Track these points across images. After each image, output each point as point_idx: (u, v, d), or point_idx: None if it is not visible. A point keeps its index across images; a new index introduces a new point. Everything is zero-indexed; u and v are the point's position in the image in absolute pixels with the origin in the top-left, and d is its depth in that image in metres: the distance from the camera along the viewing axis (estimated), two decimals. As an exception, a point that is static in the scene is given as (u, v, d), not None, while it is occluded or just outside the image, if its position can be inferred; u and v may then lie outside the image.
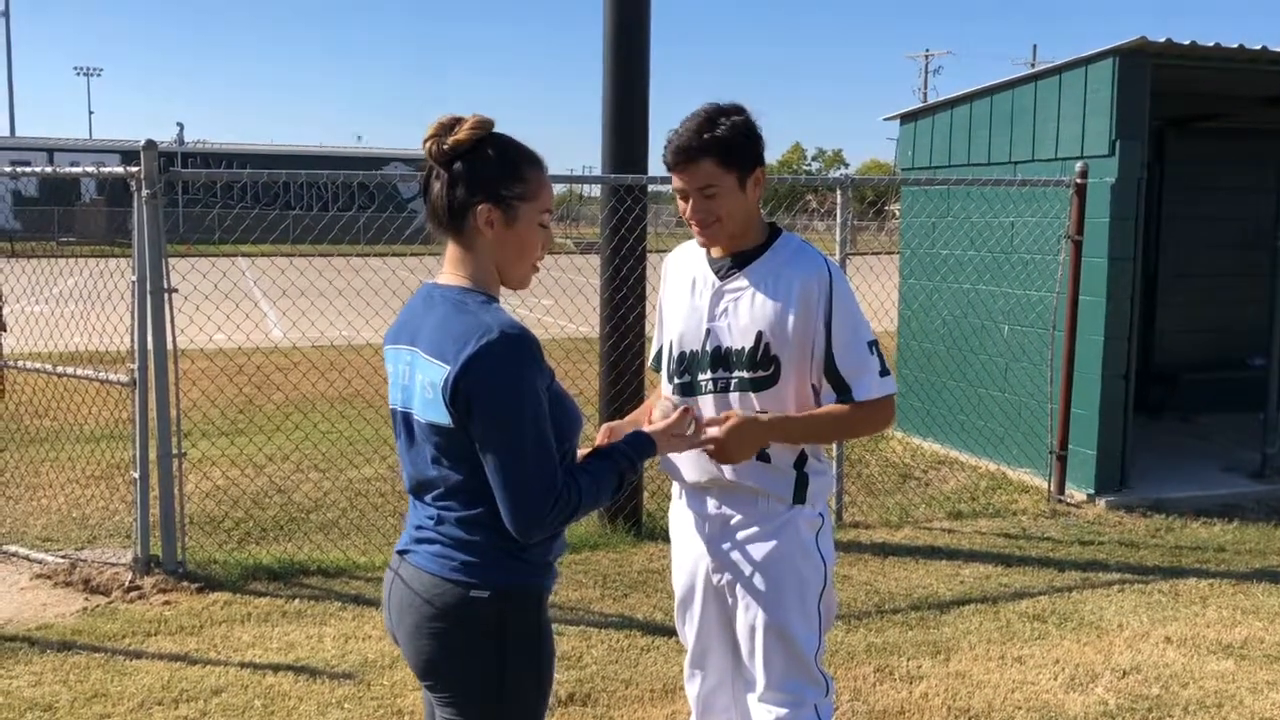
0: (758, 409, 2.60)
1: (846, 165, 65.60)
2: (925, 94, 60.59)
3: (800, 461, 2.66)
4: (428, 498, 2.14)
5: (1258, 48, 6.85)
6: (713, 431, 2.47)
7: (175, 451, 5.30)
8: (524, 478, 1.97)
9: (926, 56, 61.30)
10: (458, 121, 2.08)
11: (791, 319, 2.55)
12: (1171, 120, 8.87)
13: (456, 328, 2.01)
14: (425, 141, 2.09)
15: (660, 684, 4.19)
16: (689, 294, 2.73)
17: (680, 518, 2.85)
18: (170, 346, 5.24)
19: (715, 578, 2.75)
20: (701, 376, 2.67)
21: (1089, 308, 6.85)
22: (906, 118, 8.85)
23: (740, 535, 2.68)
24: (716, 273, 2.68)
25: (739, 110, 2.56)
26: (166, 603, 5.01)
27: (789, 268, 2.60)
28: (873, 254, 17.79)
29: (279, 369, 8.13)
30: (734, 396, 2.63)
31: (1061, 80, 7.14)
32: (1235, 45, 6.77)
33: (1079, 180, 6.74)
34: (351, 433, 7.71)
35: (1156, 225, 9.05)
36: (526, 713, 2.14)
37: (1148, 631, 4.74)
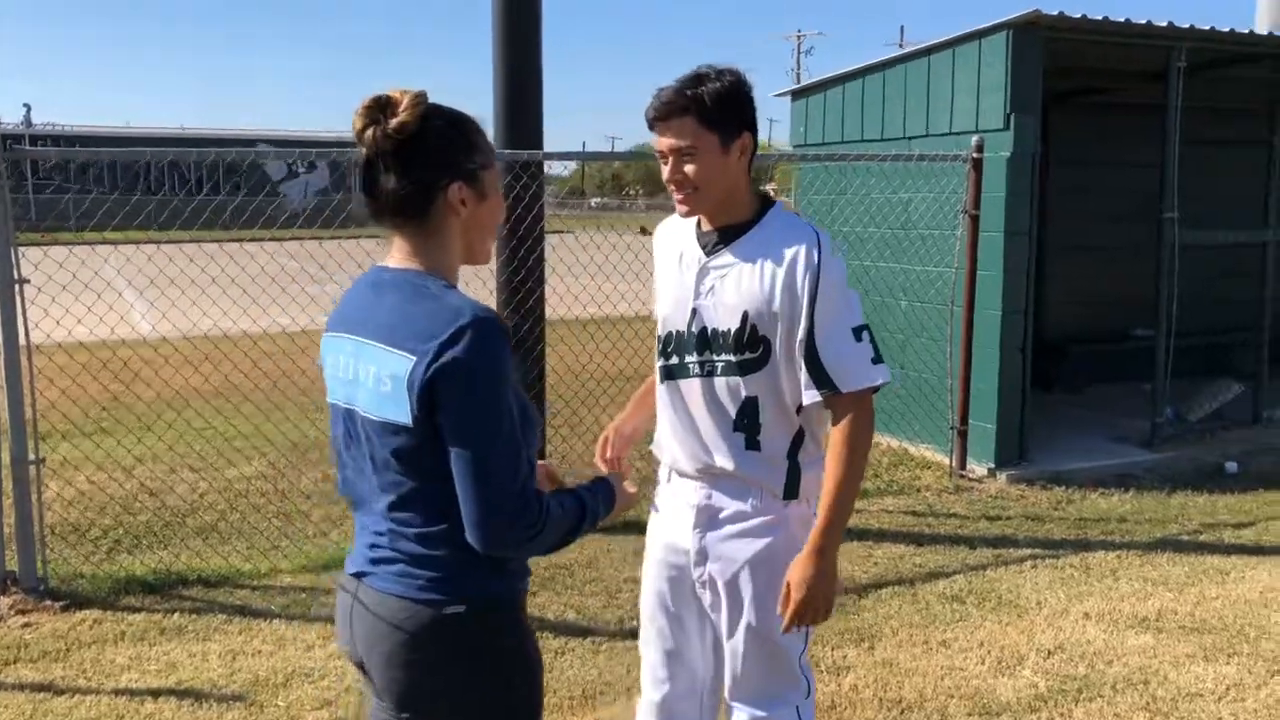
0: (745, 394, 2.40)
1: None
2: (799, 74, 61.29)
3: (794, 449, 2.45)
4: (379, 508, 1.88)
5: (1143, 22, 6.92)
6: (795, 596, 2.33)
7: (32, 457, 4.83)
8: (499, 476, 1.75)
9: (799, 37, 62.00)
10: (389, 102, 1.82)
11: (777, 298, 2.35)
12: (1055, 95, 8.95)
13: (419, 313, 1.79)
14: (362, 131, 1.82)
15: (579, 689, 3.95)
16: (676, 269, 2.53)
17: (665, 504, 2.63)
18: (23, 342, 4.76)
19: (697, 571, 2.53)
20: (688, 359, 2.48)
21: (987, 282, 6.84)
22: (798, 94, 8.74)
23: (728, 530, 2.47)
24: (703, 248, 2.48)
25: (731, 71, 2.36)
26: (26, 625, 4.55)
27: (776, 241, 2.39)
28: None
29: (147, 363, 7.59)
30: (720, 381, 2.44)
31: (955, 54, 7.10)
32: (1122, 20, 6.82)
33: (975, 155, 6.71)
34: (229, 429, 7.24)
35: (1042, 199, 9.15)
36: None
37: (1066, 608, 4.70)
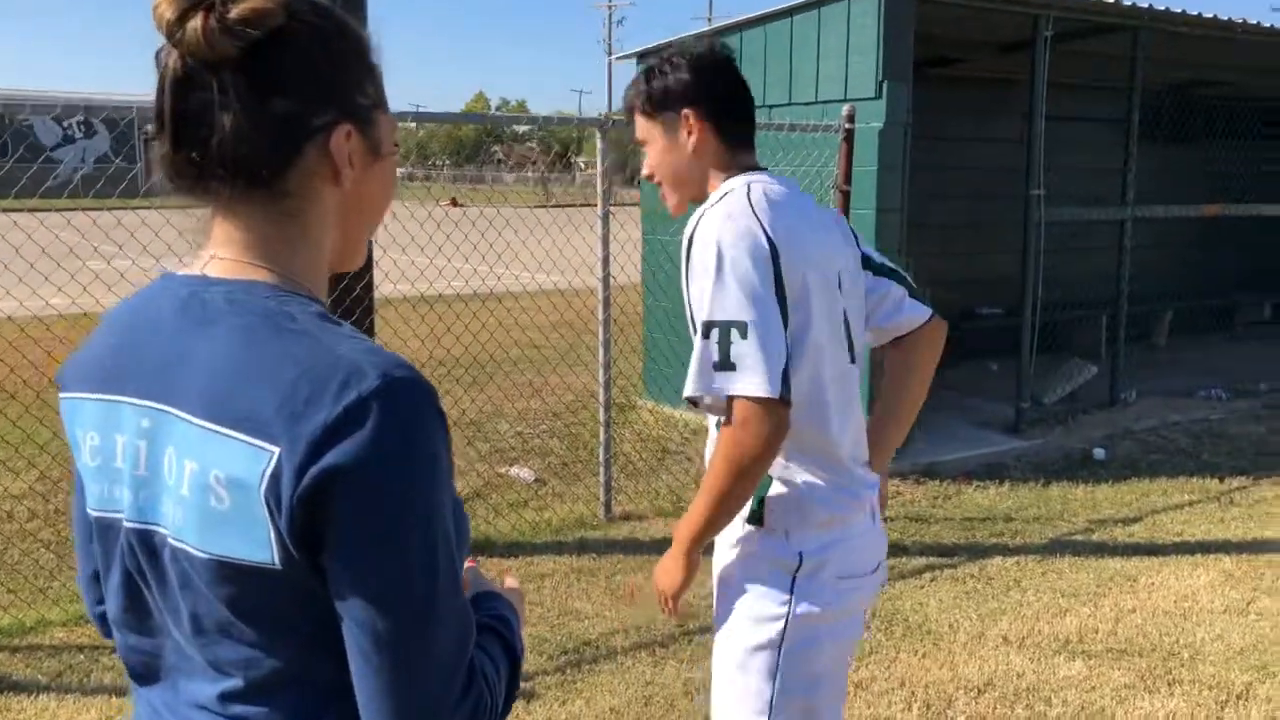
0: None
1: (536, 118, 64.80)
2: (610, 44, 60.77)
3: None
4: (200, 696, 1.11)
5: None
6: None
7: None
8: (435, 660, 1.02)
9: (610, 7, 61.38)
10: None
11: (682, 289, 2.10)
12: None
13: (279, 367, 1.02)
14: (177, 22, 1.04)
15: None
16: None
17: None
18: None
19: None
20: None
21: (857, 263, 6.34)
22: (644, 57, 8.05)
23: (717, 543, 2.19)
24: None
25: (676, 50, 2.15)
26: None
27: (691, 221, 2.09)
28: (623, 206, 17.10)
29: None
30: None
31: (821, 16, 6.55)
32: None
33: (847, 126, 6.18)
34: (-15, 440, 6.05)
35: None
36: None
37: (981, 632, 4.22)
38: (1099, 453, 6.83)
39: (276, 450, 0.98)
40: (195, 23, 1.02)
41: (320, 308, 1.10)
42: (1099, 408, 7.74)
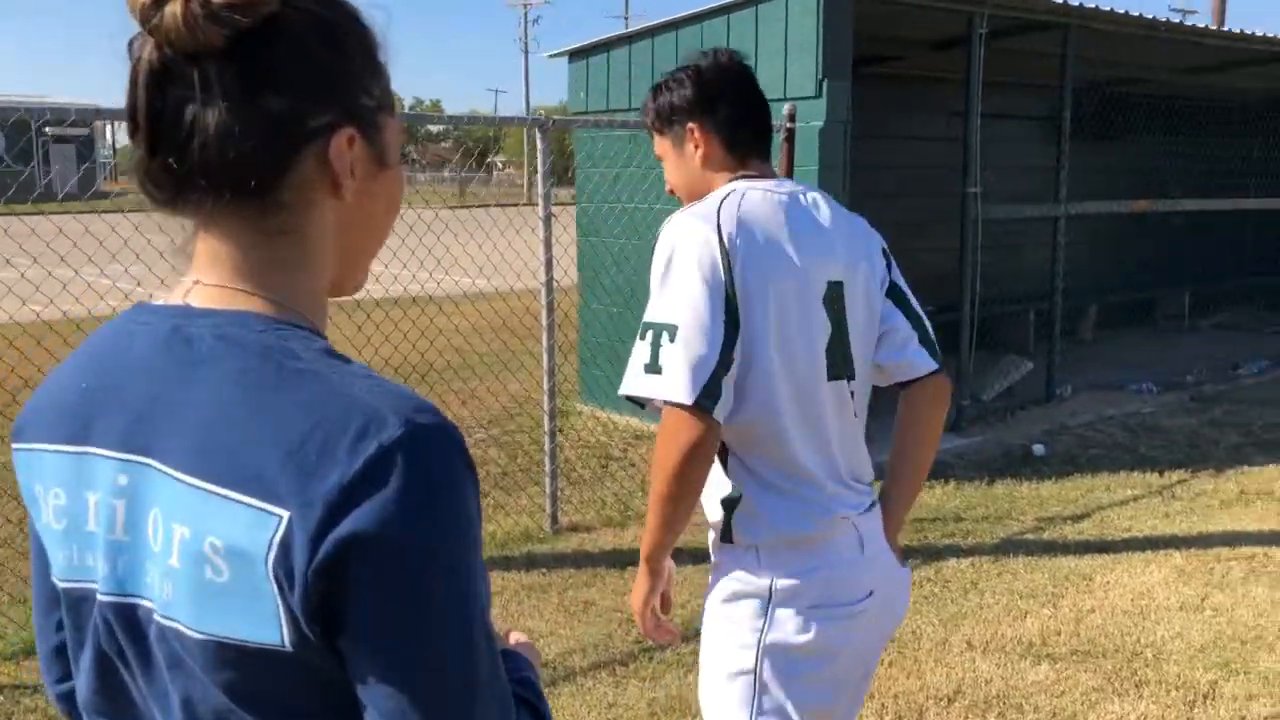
0: None
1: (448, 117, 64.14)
2: (526, 43, 60.40)
3: (725, 470, 2.02)
4: None
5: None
6: None
7: None
8: None
9: (526, 6, 60.93)
10: None
11: None
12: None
13: (289, 416, 0.87)
14: (157, 3, 0.88)
15: None
16: None
17: None
18: None
19: None
20: None
21: (800, 264, 6.27)
22: (576, 54, 7.90)
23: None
24: None
25: (681, 67, 2.16)
26: None
27: None
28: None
29: None
30: None
31: (759, 13, 6.47)
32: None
33: (789, 125, 6.10)
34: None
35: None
36: None
37: (945, 638, 4.16)
38: (1039, 449, 6.86)
39: (285, 514, 0.83)
40: (175, 7, 0.87)
41: (325, 342, 0.95)
42: (1035, 404, 7.79)
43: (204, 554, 0.86)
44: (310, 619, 0.84)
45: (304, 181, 0.93)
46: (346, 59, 0.95)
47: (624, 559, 5.02)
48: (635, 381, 1.92)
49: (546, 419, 5.51)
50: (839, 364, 2.05)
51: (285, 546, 0.83)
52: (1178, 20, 8.25)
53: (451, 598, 0.86)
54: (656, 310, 1.91)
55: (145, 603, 0.91)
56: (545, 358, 5.43)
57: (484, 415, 7.80)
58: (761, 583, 2.00)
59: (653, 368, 1.90)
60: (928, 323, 2.16)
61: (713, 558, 2.12)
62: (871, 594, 2.07)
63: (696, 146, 2.10)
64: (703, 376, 1.85)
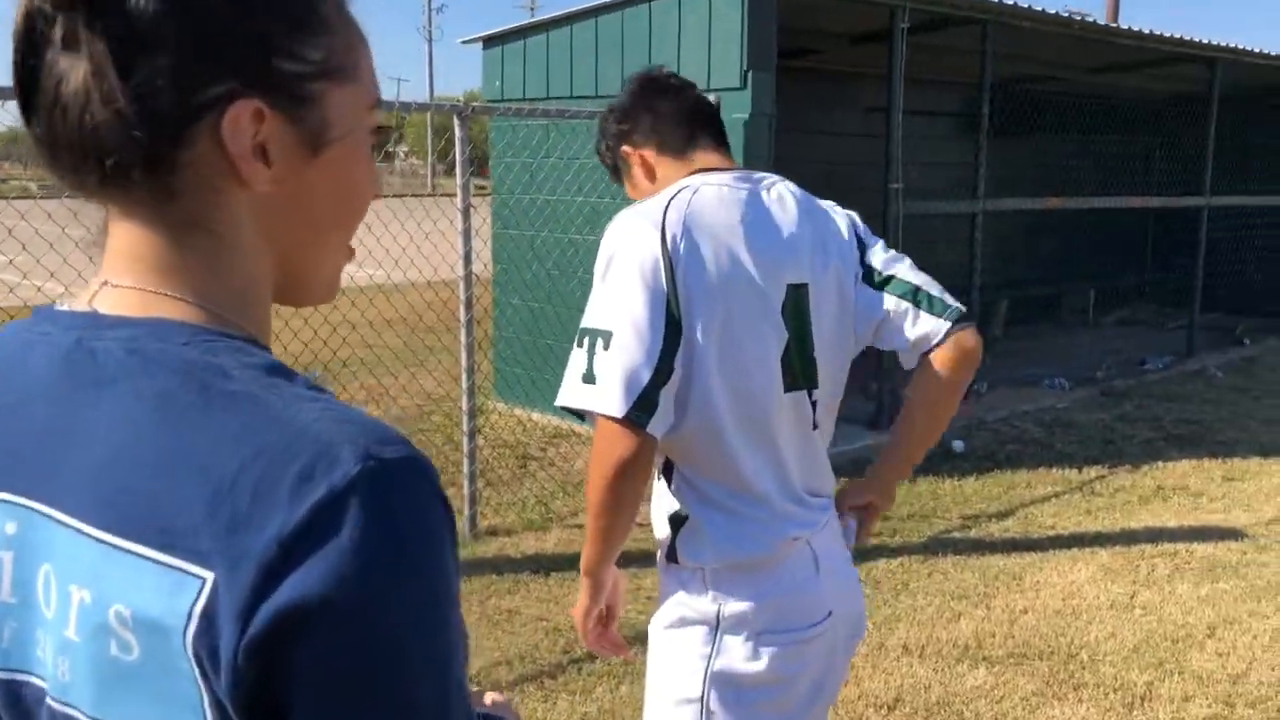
0: None
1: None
2: (430, 31, 59.50)
3: (671, 485, 1.91)
4: None
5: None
6: None
7: None
8: None
9: (431, -6, 59.98)
10: None
11: None
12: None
13: (216, 451, 0.68)
14: None
15: None
16: None
17: None
18: None
19: None
20: None
21: (723, 259, 6.16)
22: (491, 41, 7.66)
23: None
24: None
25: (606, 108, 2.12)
26: None
27: None
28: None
29: None
30: None
31: (682, 2, 6.32)
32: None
33: (713, 115, 5.97)
34: None
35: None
36: None
37: (881, 641, 4.07)
38: (958, 445, 6.86)
39: (209, 576, 0.65)
40: None
41: (266, 356, 0.76)
42: (953, 399, 7.80)
43: (108, 625, 0.68)
44: (241, 709, 0.66)
45: (200, 163, 0.74)
46: (249, 9, 0.75)
47: (547, 564, 4.84)
48: (571, 392, 1.79)
49: (465, 418, 5.30)
50: (797, 374, 1.92)
51: (209, 617, 0.65)
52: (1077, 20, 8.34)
53: (424, 677, 0.68)
54: (593, 315, 1.79)
55: (36, 680, 0.74)
56: (464, 355, 5.21)
57: (394, 414, 7.53)
58: (708, 608, 1.88)
59: (588, 377, 1.77)
60: (927, 281, 1.96)
61: (660, 576, 1.99)
62: (830, 614, 1.94)
63: (638, 165, 2.04)
64: (636, 387, 1.73)
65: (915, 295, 1.94)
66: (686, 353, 1.76)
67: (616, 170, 2.11)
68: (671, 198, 1.85)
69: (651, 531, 1.96)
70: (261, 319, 0.81)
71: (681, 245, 1.77)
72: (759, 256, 1.84)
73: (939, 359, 1.93)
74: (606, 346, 1.75)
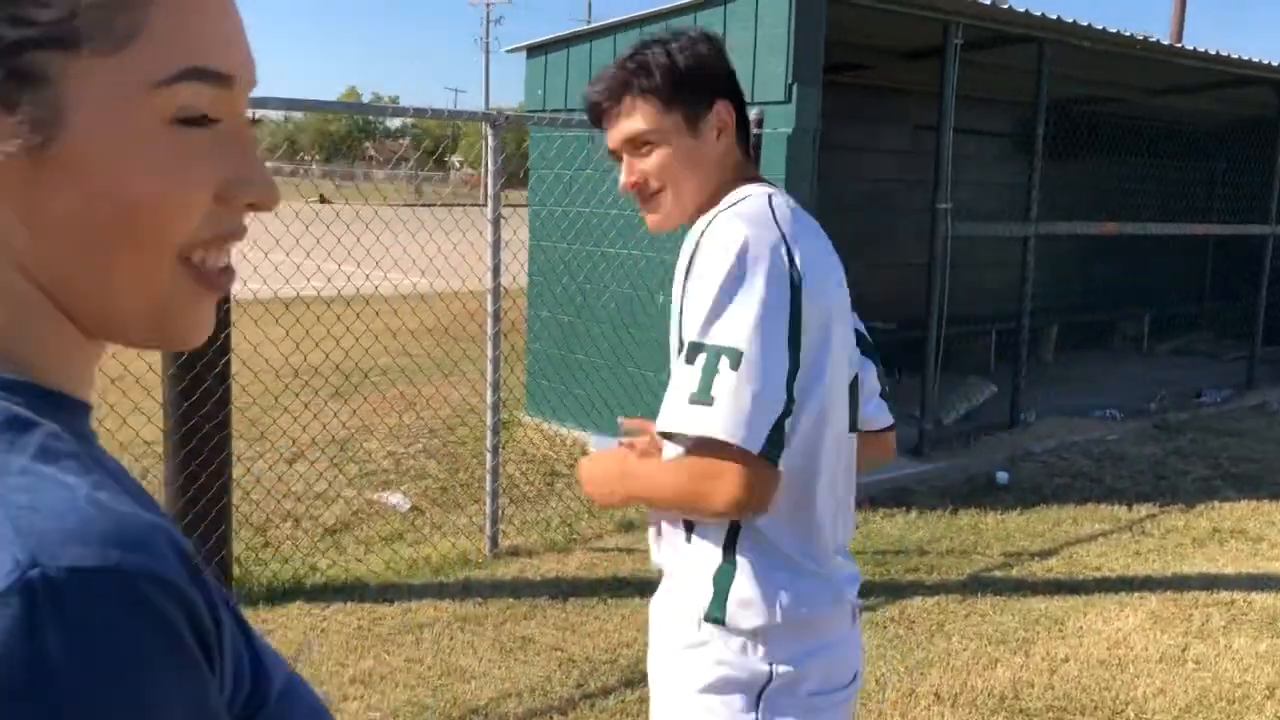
0: None
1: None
2: (488, 43, 59.86)
3: (731, 539, 1.61)
4: None
5: (926, -8, 6.28)
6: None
7: None
8: None
9: (488, 5, 60.34)
10: None
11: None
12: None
13: None
14: None
15: None
16: None
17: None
18: None
19: None
20: None
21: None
22: (534, 50, 7.54)
23: (654, 647, 1.80)
24: None
25: (690, 33, 1.68)
26: None
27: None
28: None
29: None
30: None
31: (728, 12, 6.16)
32: (907, -13, 6.14)
33: (756, 130, 5.78)
34: None
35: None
36: None
37: (912, 689, 3.85)
38: (1003, 476, 6.60)
39: None
40: None
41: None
42: (999, 428, 7.54)
43: None
44: None
45: None
46: None
47: (567, 588, 4.67)
48: (678, 415, 1.51)
49: (489, 435, 5.14)
50: (855, 412, 1.76)
51: None
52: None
53: None
54: (712, 329, 1.49)
55: None
56: (490, 369, 5.06)
57: (424, 423, 7.41)
58: (759, 668, 1.64)
59: (702, 397, 1.49)
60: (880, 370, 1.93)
61: (684, 635, 1.70)
62: (856, 676, 1.76)
63: (720, 132, 1.67)
64: (769, 421, 1.48)
65: (881, 378, 1.92)
66: (801, 384, 1.54)
67: (670, 100, 1.64)
68: (769, 203, 1.60)
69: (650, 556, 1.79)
70: (27, 355, 0.62)
71: (804, 259, 1.54)
72: (842, 279, 1.67)
73: (882, 443, 1.94)
74: (734, 365, 1.49)
